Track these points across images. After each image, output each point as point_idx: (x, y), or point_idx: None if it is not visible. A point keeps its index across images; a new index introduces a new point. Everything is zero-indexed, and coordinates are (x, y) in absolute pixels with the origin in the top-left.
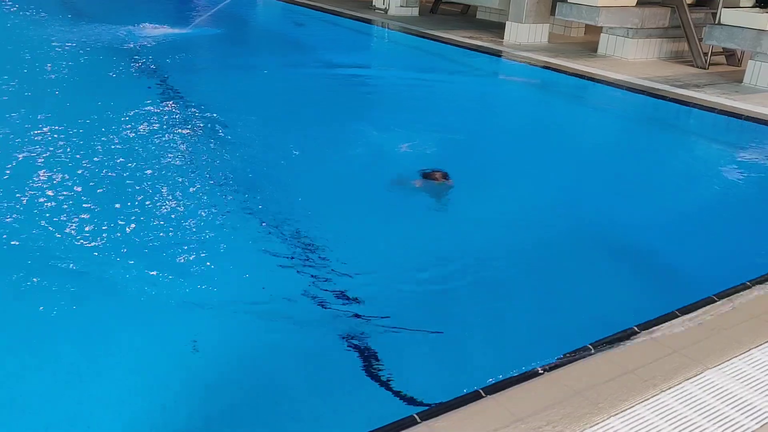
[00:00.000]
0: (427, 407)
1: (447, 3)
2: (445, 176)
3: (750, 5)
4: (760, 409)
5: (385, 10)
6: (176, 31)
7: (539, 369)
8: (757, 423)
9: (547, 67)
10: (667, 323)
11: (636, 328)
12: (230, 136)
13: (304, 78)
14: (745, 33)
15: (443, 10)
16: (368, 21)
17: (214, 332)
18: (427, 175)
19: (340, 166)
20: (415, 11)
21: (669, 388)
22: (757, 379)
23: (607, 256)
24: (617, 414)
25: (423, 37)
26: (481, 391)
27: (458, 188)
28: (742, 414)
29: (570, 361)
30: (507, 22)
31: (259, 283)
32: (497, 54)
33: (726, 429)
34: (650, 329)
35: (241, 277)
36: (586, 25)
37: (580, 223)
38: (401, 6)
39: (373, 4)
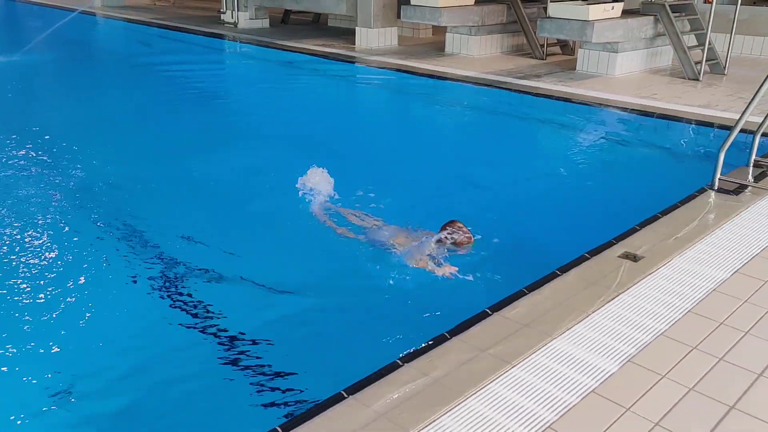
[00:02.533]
0: (289, 418)
1: (297, 13)
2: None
3: None
4: (598, 368)
5: (235, 24)
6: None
7: (398, 361)
8: (596, 381)
9: (399, 69)
10: (516, 301)
11: (488, 310)
12: (72, 167)
13: (153, 100)
14: (572, 24)
15: (294, 19)
16: (218, 36)
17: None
18: (449, 235)
19: (201, 184)
20: (265, 23)
21: (520, 362)
22: (596, 340)
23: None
24: (474, 394)
25: (276, 48)
26: (343, 392)
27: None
28: (583, 375)
29: (429, 349)
30: (357, 28)
31: (121, 313)
32: (351, 60)
33: (570, 391)
34: (501, 309)
35: (105, 310)
36: (434, 26)
37: (435, 211)
38: (251, 19)
39: (222, 18)
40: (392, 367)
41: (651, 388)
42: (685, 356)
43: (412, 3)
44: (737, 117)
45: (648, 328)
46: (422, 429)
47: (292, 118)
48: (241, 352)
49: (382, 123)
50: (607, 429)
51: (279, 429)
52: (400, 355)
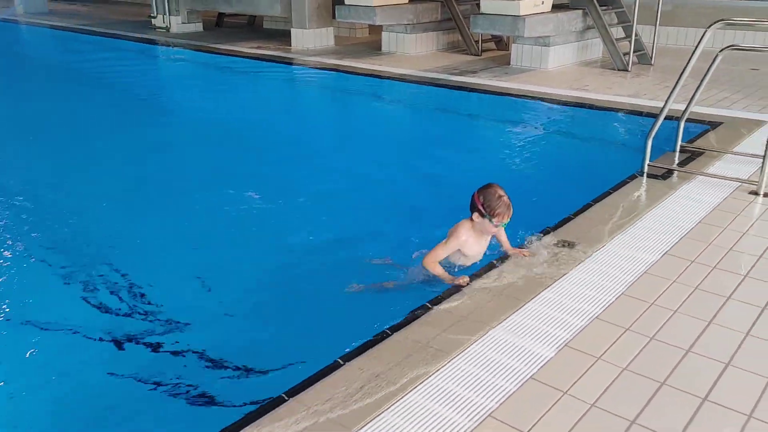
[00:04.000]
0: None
1: (231, 16)
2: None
3: None
4: (536, 354)
5: (167, 28)
6: None
7: (339, 360)
8: (534, 367)
9: (336, 69)
10: (455, 294)
11: (428, 304)
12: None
13: (84, 109)
14: (504, 19)
15: (228, 22)
16: (151, 41)
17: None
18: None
19: (136, 189)
20: (199, 26)
21: (459, 354)
22: (533, 328)
23: (397, 243)
24: (415, 388)
25: (210, 52)
26: (283, 395)
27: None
28: (521, 362)
29: (370, 347)
30: (292, 29)
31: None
32: (287, 61)
33: (509, 378)
34: (441, 302)
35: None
36: (370, 25)
37: (379, 207)
38: (183, 23)
39: (153, 23)
40: (333, 367)
41: (587, 370)
42: (618, 338)
43: (346, 3)
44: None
45: (583, 312)
46: (364, 426)
47: (229, 121)
48: (177, 352)
49: (321, 123)
50: (545, 413)
51: None
52: (341, 354)
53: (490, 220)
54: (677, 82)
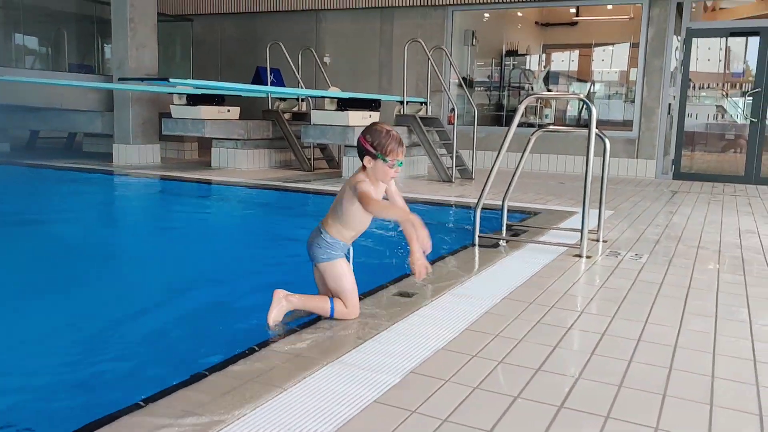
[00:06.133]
0: None
1: (46, 138)
2: None
3: (333, 108)
4: (376, 381)
5: None
6: None
7: (141, 404)
8: (375, 392)
9: (163, 177)
10: (303, 330)
11: (254, 348)
12: None
13: None
14: (334, 129)
15: (43, 144)
16: None
17: None
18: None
19: None
20: (5, 146)
21: (292, 386)
22: (372, 361)
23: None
24: (239, 420)
25: (17, 165)
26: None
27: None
28: (361, 388)
29: (197, 380)
30: (114, 145)
31: None
32: (107, 172)
33: (347, 403)
34: (276, 342)
35: None
36: (199, 146)
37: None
38: None
39: None
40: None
41: (435, 391)
42: (466, 363)
43: (173, 116)
44: (490, 202)
45: (427, 346)
46: None
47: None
48: None
49: (141, 225)
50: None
51: None
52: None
53: (384, 160)
54: (500, 150)
